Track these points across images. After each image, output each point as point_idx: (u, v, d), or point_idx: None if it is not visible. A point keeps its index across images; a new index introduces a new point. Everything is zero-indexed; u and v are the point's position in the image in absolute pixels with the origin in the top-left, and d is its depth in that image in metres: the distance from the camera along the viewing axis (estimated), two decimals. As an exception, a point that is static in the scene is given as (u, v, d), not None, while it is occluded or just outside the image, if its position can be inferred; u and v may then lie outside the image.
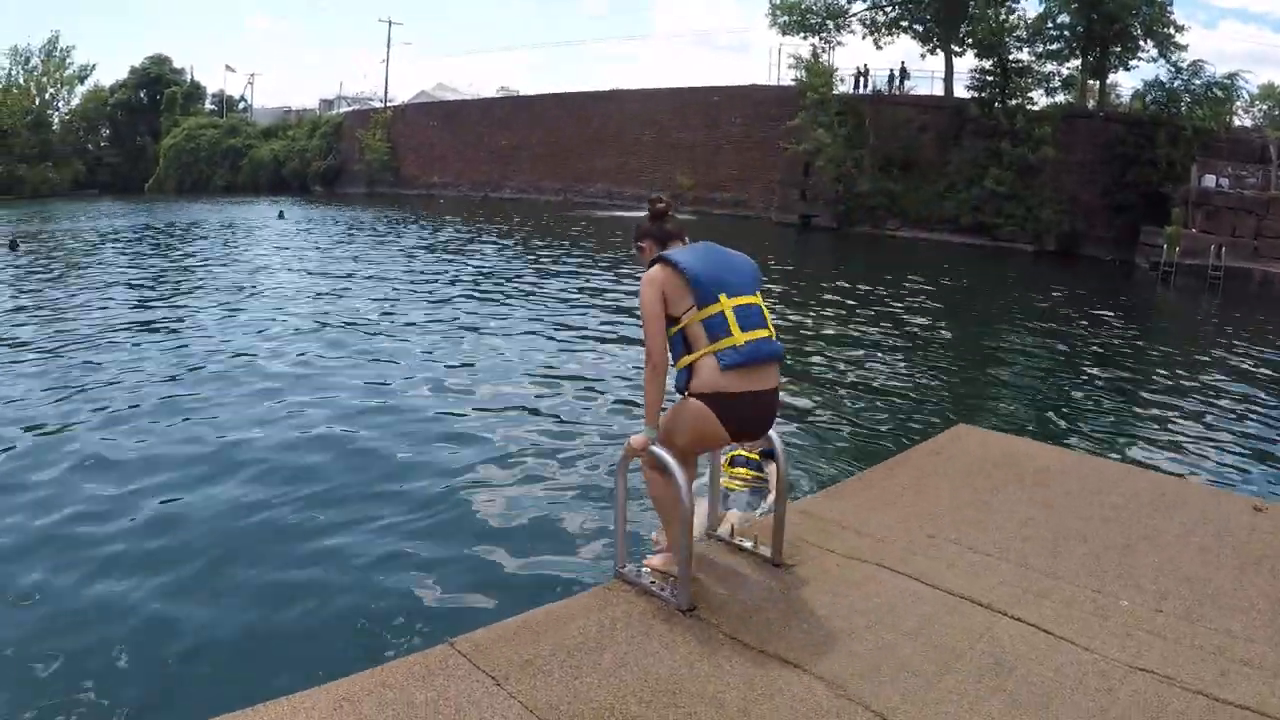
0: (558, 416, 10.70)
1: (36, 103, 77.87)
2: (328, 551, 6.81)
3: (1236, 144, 37.15)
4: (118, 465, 8.79)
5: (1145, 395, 13.64)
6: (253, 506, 7.77)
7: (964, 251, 37.55)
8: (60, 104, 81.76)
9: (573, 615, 3.93)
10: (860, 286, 24.85)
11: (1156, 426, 11.85)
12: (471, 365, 13.60)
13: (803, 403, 11.80)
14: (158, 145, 78.63)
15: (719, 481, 4.97)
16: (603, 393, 11.98)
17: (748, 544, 4.61)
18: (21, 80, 77.89)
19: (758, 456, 8.46)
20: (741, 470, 7.07)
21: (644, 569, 4.26)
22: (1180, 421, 12.13)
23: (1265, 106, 43.88)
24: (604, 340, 15.75)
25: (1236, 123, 41.89)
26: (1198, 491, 6.03)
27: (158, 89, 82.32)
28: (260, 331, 16.09)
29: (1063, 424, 11.67)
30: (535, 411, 11.00)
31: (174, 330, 16.27)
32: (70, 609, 5.92)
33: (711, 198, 51.70)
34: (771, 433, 4.38)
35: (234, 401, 11.18)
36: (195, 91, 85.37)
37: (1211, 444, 11.06)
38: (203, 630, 5.66)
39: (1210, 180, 34.13)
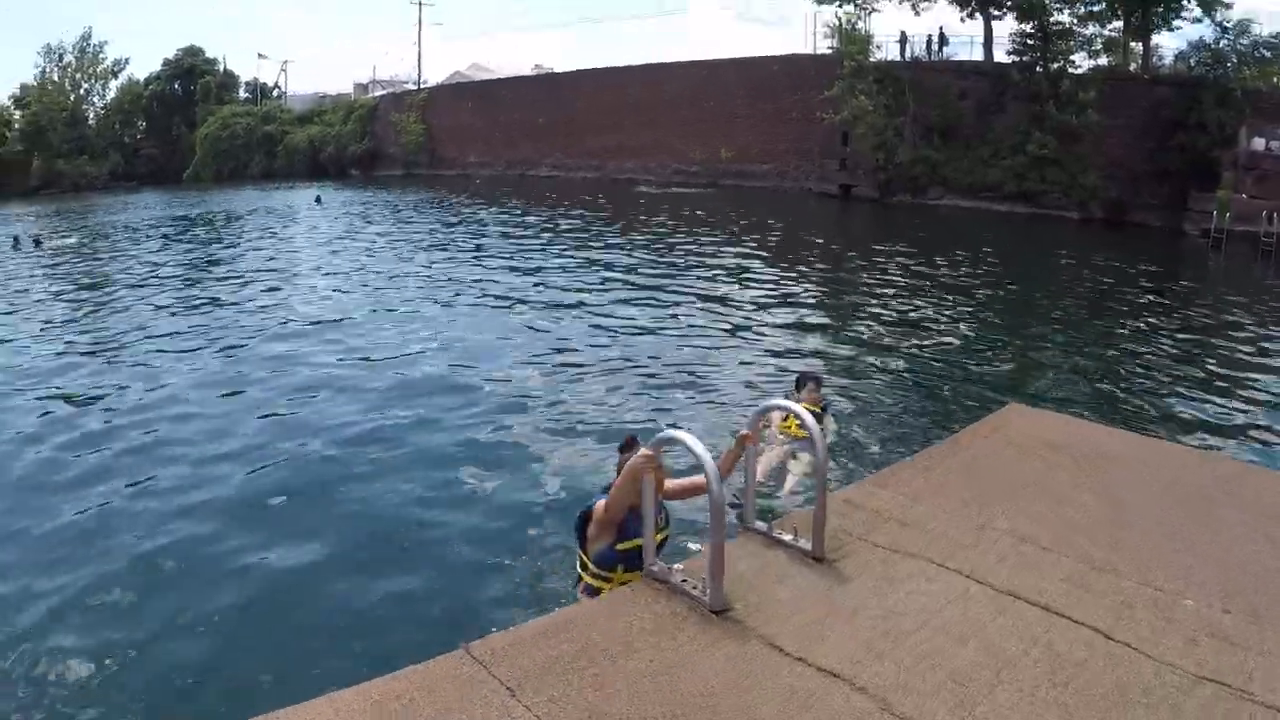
0: (586, 408, 10.45)
1: (72, 99, 78.59)
2: (336, 550, 6.67)
3: (1288, 106, 35.80)
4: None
5: (1202, 372, 13.05)
6: (255, 495, 7.70)
7: (1008, 220, 36.70)
8: (95, 98, 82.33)
9: (597, 617, 3.71)
10: (902, 258, 24.35)
11: (1214, 406, 11.27)
12: (489, 354, 13.47)
13: (847, 383, 11.47)
14: (193, 135, 79.12)
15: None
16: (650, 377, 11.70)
17: (787, 536, 4.36)
18: (56, 77, 78.64)
19: (819, 409, 8.37)
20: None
21: (674, 568, 4.03)
22: (1239, 401, 11.53)
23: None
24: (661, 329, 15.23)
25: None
26: (1261, 477, 5.66)
27: (191, 80, 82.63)
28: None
29: (1117, 402, 11.19)
30: (569, 402, 10.78)
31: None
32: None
33: (750, 170, 51.07)
34: (810, 422, 4.19)
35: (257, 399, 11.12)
36: (229, 80, 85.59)
37: (1265, 426, 10.50)
38: (210, 641, 5.51)
39: (1260, 143, 32.91)
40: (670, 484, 4.73)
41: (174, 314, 17.11)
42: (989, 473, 5.34)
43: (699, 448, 3.64)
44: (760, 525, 4.51)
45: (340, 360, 12.98)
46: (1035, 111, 39.26)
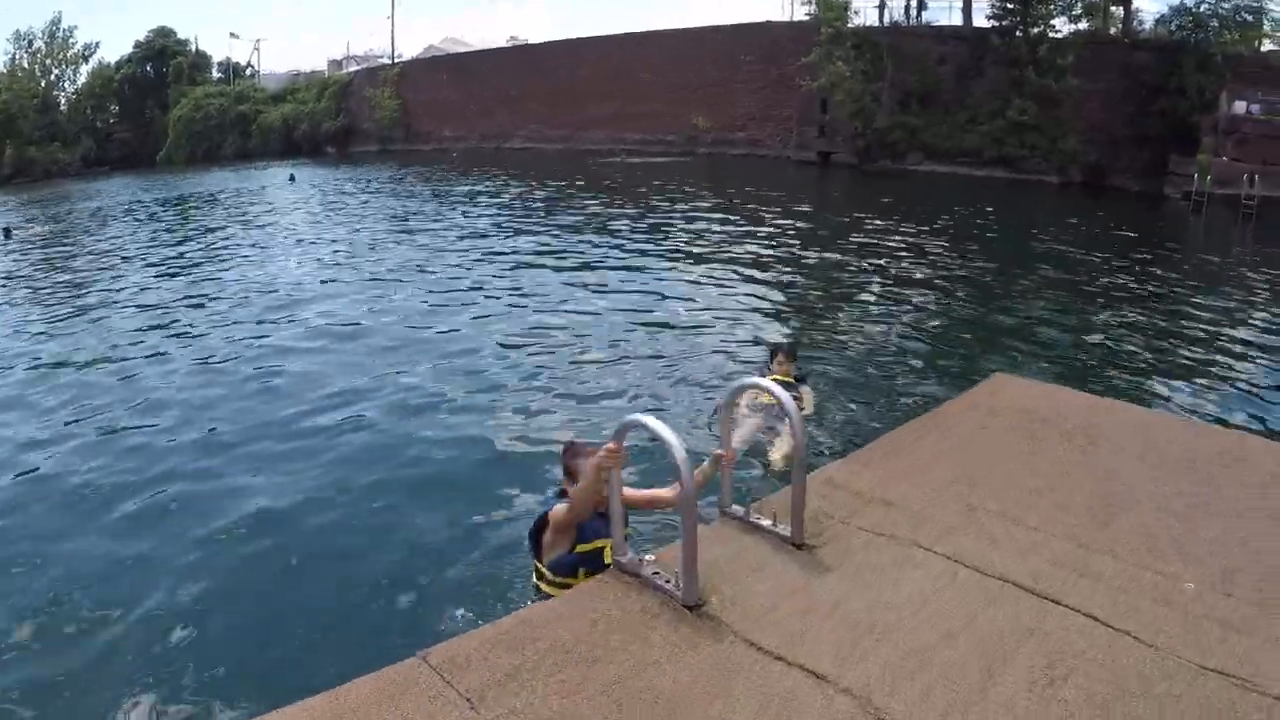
0: (551, 390, 10.04)
1: (42, 85, 77.37)
2: (277, 548, 6.30)
3: (1267, 69, 35.81)
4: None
5: (1189, 338, 12.83)
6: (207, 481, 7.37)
7: (988, 185, 36.51)
8: (66, 84, 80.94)
9: (562, 616, 3.47)
10: (881, 225, 24.13)
11: (1200, 372, 11.03)
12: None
13: (824, 355, 11.21)
14: (166, 117, 77.98)
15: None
16: (618, 358, 11.31)
17: (765, 522, 4.12)
18: (26, 64, 77.32)
19: (792, 379, 8.18)
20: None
21: (646, 559, 3.79)
22: (1224, 367, 11.32)
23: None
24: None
25: (1266, 46, 40.45)
26: (1259, 448, 5.44)
27: (163, 61, 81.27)
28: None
29: (1101, 369, 10.98)
30: (528, 383, 10.37)
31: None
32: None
33: (728, 138, 50.83)
34: (783, 396, 3.92)
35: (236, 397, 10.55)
36: (201, 61, 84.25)
37: (1262, 393, 10.27)
38: (135, 646, 5.19)
39: (1241, 106, 32.87)
40: (631, 493, 4.49)
41: (142, 298, 16.76)
42: (976, 448, 5.12)
43: (667, 433, 3.39)
44: (737, 509, 4.26)
45: (303, 340, 12.69)
46: (1015, 76, 39.13)
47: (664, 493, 4.70)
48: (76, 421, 9.58)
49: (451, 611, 5.04)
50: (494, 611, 4.71)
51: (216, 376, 11.09)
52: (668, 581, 3.56)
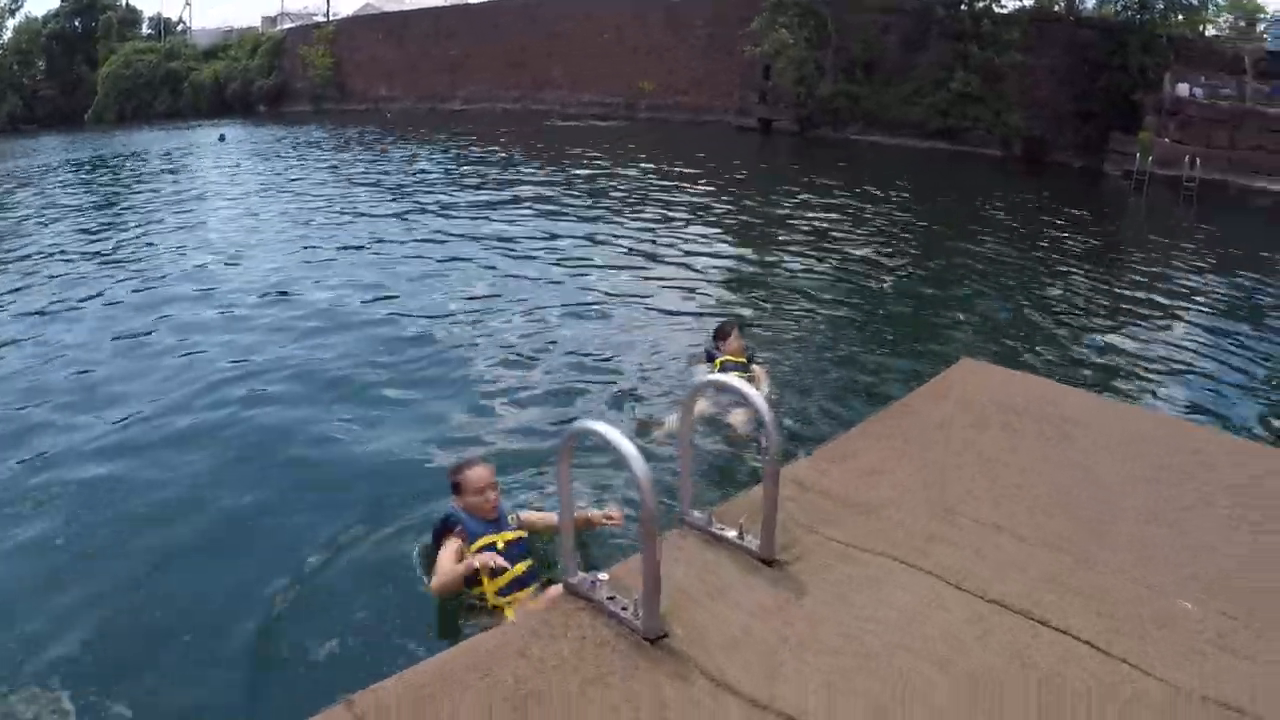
0: (503, 384, 9.28)
1: (-34, 40, 74.75)
2: (185, 560, 5.72)
3: (1210, 54, 36.47)
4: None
5: (1142, 325, 12.71)
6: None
7: (929, 156, 36.67)
8: (-10, 39, 78.38)
9: (505, 651, 3.04)
10: (825, 198, 23.86)
11: (1165, 362, 10.85)
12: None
13: (773, 335, 10.80)
14: (95, 75, 75.61)
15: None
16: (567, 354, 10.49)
17: (731, 534, 3.70)
18: (-52, 18, 74.66)
19: (744, 359, 8.11)
20: (733, 375, 6.46)
21: (599, 580, 3.38)
22: (1189, 357, 11.18)
23: (1230, 18, 43.01)
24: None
25: (1209, 31, 41.07)
26: (1238, 447, 5.21)
27: (92, 16, 79.53)
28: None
29: (1061, 353, 10.78)
30: (486, 375, 9.62)
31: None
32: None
33: (671, 102, 50.74)
34: (752, 394, 3.53)
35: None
36: (131, 16, 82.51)
37: (1211, 381, 10.13)
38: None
39: (1184, 89, 33.28)
40: (530, 516, 4.56)
41: (68, 263, 15.96)
42: (948, 444, 4.78)
43: (623, 443, 2.95)
44: (698, 516, 3.85)
45: (215, 316, 12.00)
46: (959, 49, 39.27)
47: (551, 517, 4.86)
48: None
49: (379, 640, 4.53)
50: (428, 637, 4.29)
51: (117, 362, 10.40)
52: (625, 609, 3.16)
